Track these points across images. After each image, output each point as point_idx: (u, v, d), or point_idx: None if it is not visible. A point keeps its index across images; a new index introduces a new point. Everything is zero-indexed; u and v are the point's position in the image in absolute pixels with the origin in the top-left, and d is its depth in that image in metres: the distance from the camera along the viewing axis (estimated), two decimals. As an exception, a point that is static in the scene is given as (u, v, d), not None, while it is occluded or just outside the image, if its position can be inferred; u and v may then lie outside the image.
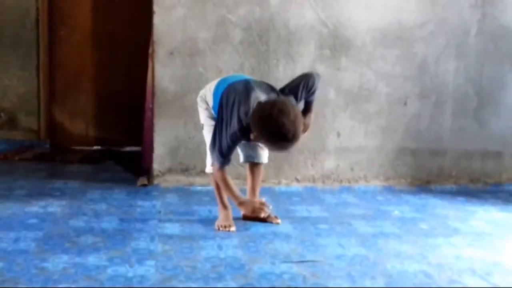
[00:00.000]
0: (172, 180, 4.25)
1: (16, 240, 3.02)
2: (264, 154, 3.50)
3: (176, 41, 4.17)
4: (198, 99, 3.46)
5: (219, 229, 3.31)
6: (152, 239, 3.12)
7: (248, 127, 3.03)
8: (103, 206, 3.71)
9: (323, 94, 4.07)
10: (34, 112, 5.45)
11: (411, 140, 4.48)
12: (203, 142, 3.48)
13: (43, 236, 3.09)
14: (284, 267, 2.80)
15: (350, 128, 4.40)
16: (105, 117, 5.51)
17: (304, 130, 3.23)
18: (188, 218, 3.53)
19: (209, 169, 3.41)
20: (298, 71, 4.19)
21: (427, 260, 2.95)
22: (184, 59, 4.19)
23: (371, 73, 4.37)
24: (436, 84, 4.46)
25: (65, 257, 2.80)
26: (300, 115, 2.99)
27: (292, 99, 3.17)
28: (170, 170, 4.26)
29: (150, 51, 4.30)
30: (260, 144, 3.32)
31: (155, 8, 4.15)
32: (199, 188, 4.19)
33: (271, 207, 3.34)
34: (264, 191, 3.91)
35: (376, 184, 4.44)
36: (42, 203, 3.70)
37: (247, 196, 3.53)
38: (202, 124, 3.45)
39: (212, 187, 3.49)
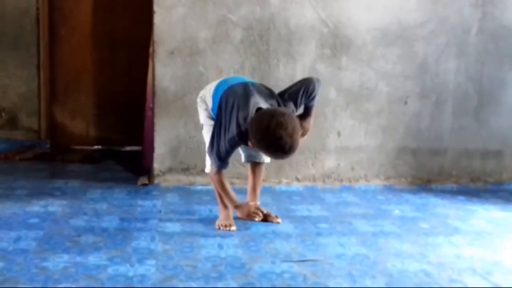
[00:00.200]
0: (173, 180, 4.25)
1: (17, 239, 3.03)
2: (265, 154, 3.50)
3: (177, 40, 4.17)
4: (198, 100, 3.46)
5: (219, 228, 3.31)
6: (152, 238, 3.12)
7: (246, 133, 3.03)
8: (104, 205, 3.71)
9: (323, 94, 4.07)
10: (35, 112, 5.46)
11: (411, 139, 4.48)
12: (203, 141, 3.48)
13: (44, 236, 3.10)
14: (284, 266, 2.80)
15: (350, 127, 4.40)
16: (106, 116, 5.51)
17: (303, 134, 3.26)
18: (188, 218, 3.53)
19: (208, 169, 3.41)
20: (299, 70, 4.20)
21: (427, 259, 2.95)
22: (185, 58, 4.19)
23: (371, 72, 4.37)
24: (436, 83, 4.46)
25: (65, 257, 2.81)
26: (298, 127, 2.97)
27: (291, 105, 3.18)
28: (170, 170, 4.26)
29: (150, 50, 4.30)
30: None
31: (156, 7, 4.15)
32: (199, 187, 4.19)
33: (265, 211, 3.45)
34: (265, 191, 3.92)
35: (376, 183, 4.45)
36: (42, 202, 3.71)
37: (248, 195, 3.54)
38: (202, 124, 3.45)
39: (212, 186, 3.49)
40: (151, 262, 2.79)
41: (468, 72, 4.48)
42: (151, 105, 4.32)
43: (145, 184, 4.24)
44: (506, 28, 4.48)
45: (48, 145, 5.43)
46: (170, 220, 3.47)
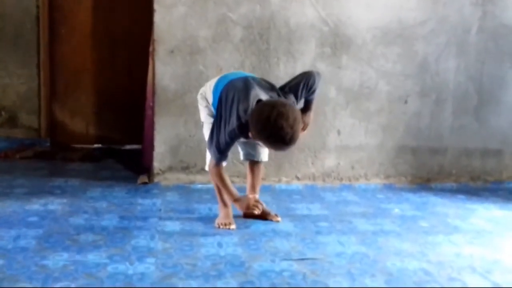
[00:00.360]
0: (173, 178, 4.25)
1: (17, 238, 3.03)
2: (264, 152, 3.49)
3: (177, 39, 4.17)
4: (198, 97, 3.46)
5: (219, 227, 3.31)
6: (152, 237, 3.12)
7: (247, 125, 3.01)
8: (104, 204, 3.71)
9: (323, 92, 4.08)
10: (35, 111, 5.45)
11: (411, 138, 4.48)
12: (203, 140, 3.48)
13: (43, 234, 3.10)
14: (284, 264, 2.80)
15: (350, 126, 4.40)
16: (106, 115, 5.51)
17: (304, 129, 3.24)
18: (188, 216, 3.53)
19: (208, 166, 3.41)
20: (299, 69, 4.19)
21: (427, 258, 2.95)
22: (185, 57, 4.19)
23: (371, 71, 4.37)
24: (436, 82, 4.46)
25: (65, 255, 2.81)
26: (299, 117, 2.94)
27: (292, 98, 3.17)
28: (170, 168, 4.26)
29: (150, 49, 4.30)
30: (259, 143, 3.32)
31: (156, 6, 4.15)
32: (199, 186, 4.19)
33: (264, 205, 3.40)
34: (265, 189, 3.92)
35: (376, 182, 4.45)
36: (42, 201, 3.71)
37: (247, 193, 3.52)
38: (202, 122, 3.45)
39: (212, 185, 3.49)
40: (151, 260, 2.79)
41: (468, 71, 4.48)
42: (151, 103, 4.32)
43: (145, 183, 4.24)
44: (506, 26, 4.48)
45: (48, 144, 5.43)
46: (169, 218, 3.47)
